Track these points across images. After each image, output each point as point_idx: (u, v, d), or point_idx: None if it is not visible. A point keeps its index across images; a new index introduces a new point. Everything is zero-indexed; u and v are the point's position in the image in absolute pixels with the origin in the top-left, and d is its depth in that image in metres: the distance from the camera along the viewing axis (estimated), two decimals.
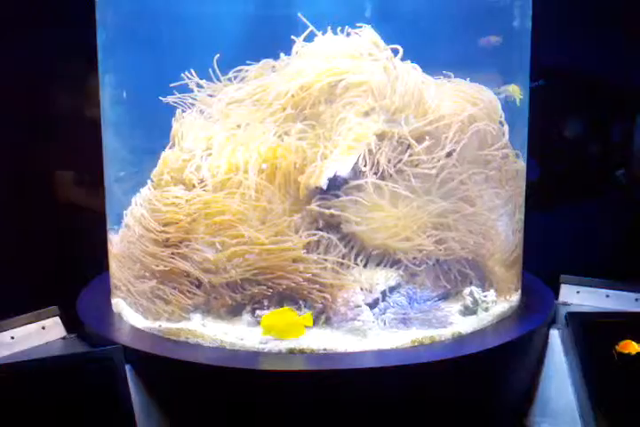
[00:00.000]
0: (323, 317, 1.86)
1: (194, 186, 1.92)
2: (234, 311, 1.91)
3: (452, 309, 1.96)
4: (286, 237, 1.83)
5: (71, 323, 2.11)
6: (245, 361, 1.73)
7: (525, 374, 1.98)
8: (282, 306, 1.84)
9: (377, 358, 1.75)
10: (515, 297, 2.12)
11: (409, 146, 1.92)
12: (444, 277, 1.96)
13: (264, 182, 1.87)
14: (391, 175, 1.88)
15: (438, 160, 1.91)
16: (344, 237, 1.87)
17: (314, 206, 1.85)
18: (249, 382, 1.70)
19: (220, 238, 1.86)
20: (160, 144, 2.04)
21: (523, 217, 2.16)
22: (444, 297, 1.98)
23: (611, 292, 2.27)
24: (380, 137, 1.90)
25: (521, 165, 2.12)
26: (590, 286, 2.31)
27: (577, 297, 2.31)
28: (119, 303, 2.08)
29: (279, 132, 1.92)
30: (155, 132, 2.08)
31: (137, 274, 1.99)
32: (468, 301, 1.96)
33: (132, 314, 2.01)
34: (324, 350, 1.77)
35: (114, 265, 2.14)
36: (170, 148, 2.04)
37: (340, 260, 1.86)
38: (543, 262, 2.41)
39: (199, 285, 1.92)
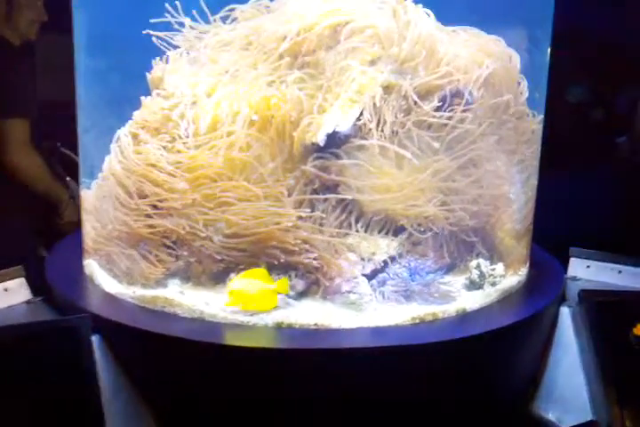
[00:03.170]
0: (315, 288, 1.68)
1: (174, 139, 1.71)
2: (216, 278, 1.72)
3: (457, 282, 1.78)
4: (277, 200, 1.63)
5: (39, 285, 1.92)
6: (227, 336, 1.55)
7: (532, 355, 1.82)
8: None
9: (374, 335, 1.57)
10: (523, 271, 1.95)
11: (416, 101, 1.71)
12: (448, 247, 1.78)
13: (255, 134, 1.66)
14: (397, 133, 1.68)
15: (449, 118, 1.71)
16: (342, 200, 1.68)
17: (309, 168, 1.66)
18: (230, 360, 1.52)
19: (202, 198, 1.66)
20: (137, 92, 1.83)
21: (536, 183, 1.97)
22: (448, 270, 1.80)
23: (623, 267, 2.10)
24: (387, 90, 1.69)
25: (537, 126, 1.93)
26: (601, 261, 2.13)
27: (587, 272, 2.13)
28: (91, 265, 1.89)
29: (273, 81, 1.71)
30: (132, 77, 1.86)
31: (110, 234, 1.80)
32: (475, 274, 1.78)
33: (105, 277, 1.82)
34: (316, 325, 1.59)
35: (86, 223, 1.94)
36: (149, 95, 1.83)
37: (337, 228, 1.67)
38: (550, 233, 2.23)
39: (178, 248, 1.73)
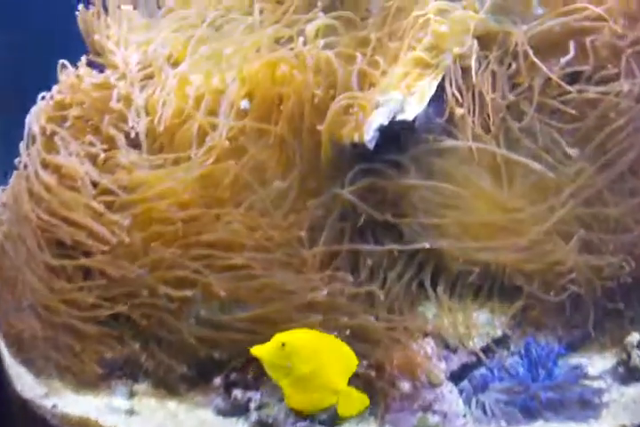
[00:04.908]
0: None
1: (113, 142, 0.99)
2: (191, 379, 1.00)
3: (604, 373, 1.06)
4: (292, 253, 0.90)
5: None
6: None
7: None
8: None
9: None
10: None
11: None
12: (582, 315, 1.05)
13: (252, 124, 0.93)
14: (504, 124, 0.94)
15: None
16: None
17: (347, 192, 0.92)
18: None
19: (160, 245, 0.94)
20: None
21: None
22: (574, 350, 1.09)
23: None
24: (484, 42, 0.95)
25: None
26: None
27: None
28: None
29: (282, 34, 0.98)
30: (45, 40, 1.14)
31: (19, 303, 1.09)
32: (637, 356, 1.05)
33: (16, 367, 1.11)
34: None
35: None
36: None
37: (400, 298, 0.95)
38: None
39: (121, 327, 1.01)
